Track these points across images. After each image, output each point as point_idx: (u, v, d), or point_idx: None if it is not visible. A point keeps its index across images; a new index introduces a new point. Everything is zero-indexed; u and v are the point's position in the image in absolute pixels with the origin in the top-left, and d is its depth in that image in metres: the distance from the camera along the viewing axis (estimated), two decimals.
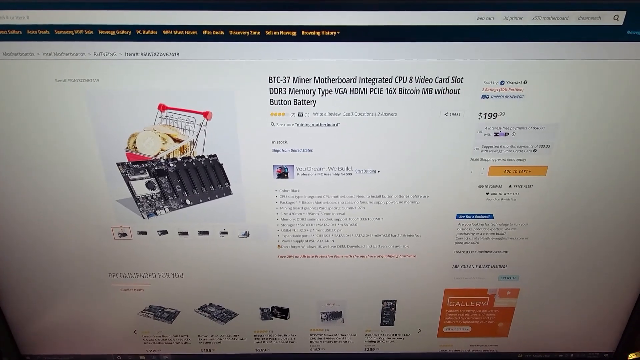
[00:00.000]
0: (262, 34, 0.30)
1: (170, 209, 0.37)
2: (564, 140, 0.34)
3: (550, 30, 0.30)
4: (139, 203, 0.37)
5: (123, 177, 0.35)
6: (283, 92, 0.33)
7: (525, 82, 0.32)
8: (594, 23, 0.30)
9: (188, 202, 0.37)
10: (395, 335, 0.45)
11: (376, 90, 0.33)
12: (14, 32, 0.30)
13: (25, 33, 0.30)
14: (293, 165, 0.35)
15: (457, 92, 0.33)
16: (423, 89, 0.32)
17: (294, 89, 0.33)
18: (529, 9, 0.30)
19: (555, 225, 0.38)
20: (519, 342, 0.45)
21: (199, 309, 0.43)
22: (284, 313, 0.43)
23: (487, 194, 0.37)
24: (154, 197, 0.37)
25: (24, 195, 0.36)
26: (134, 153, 0.35)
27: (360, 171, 0.36)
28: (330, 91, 0.33)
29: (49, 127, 0.33)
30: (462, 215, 0.38)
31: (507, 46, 0.31)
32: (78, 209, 0.37)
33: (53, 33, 0.30)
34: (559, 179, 0.36)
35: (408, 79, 0.32)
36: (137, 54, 0.31)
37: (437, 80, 0.32)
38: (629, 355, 0.46)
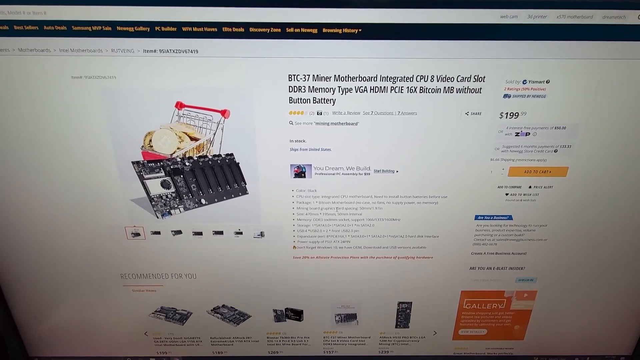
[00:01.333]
0: (283, 31, 0.30)
1: (185, 209, 0.37)
2: (585, 140, 0.34)
3: (574, 29, 0.30)
4: (153, 202, 0.36)
5: (138, 175, 0.35)
6: (302, 90, 0.32)
7: (547, 82, 0.32)
8: (619, 22, 0.30)
9: (203, 201, 0.36)
10: (410, 337, 0.44)
11: (397, 89, 0.32)
12: (30, 27, 0.30)
13: (42, 29, 0.30)
14: (311, 165, 0.35)
15: (479, 91, 0.32)
16: (444, 87, 0.32)
17: (313, 87, 0.32)
18: (554, 8, 0.29)
19: (574, 227, 0.38)
20: (535, 345, 0.44)
21: (211, 310, 0.42)
22: (297, 315, 0.42)
23: (507, 194, 0.36)
24: (169, 196, 0.36)
25: (36, 194, 0.36)
26: (150, 152, 0.34)
27: (378, 171, 0.35)
28: (350, 90, 0.32)
29: (64, 125, 0.33)
30: (480, 216, 0.37)
31: (530, 45, 0.31)
32: (91, 208, 0.36)
33: (70, 29, 0.30)
34: (580, 180, 0.35)
35: (429, 78, 0.32)
36: (155, 51, 0.31)
37: (459, 79, 0.32)
38: None
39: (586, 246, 0.39)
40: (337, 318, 0.43)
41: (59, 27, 0.30)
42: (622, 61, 0.31)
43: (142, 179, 0.35)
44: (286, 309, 0.42)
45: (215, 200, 0.36)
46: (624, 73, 0.31)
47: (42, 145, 0.34)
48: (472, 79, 0.32)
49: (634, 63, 0.31)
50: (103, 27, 0.30)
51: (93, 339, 0.44)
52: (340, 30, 0.30)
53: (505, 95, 0.32)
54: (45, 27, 0.30)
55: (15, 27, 0.30)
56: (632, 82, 0.32)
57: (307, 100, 0.33)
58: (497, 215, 0.37)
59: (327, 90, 0.32)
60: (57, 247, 0.38)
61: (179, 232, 0.38)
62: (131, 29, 0.30)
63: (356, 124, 0.33)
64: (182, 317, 0.42)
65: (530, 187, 0.36)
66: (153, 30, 0.30)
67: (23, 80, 0.31)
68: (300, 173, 0.35)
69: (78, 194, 0.36)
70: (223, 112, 0.33)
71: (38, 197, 0.36)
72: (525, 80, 0.32)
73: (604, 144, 0.34)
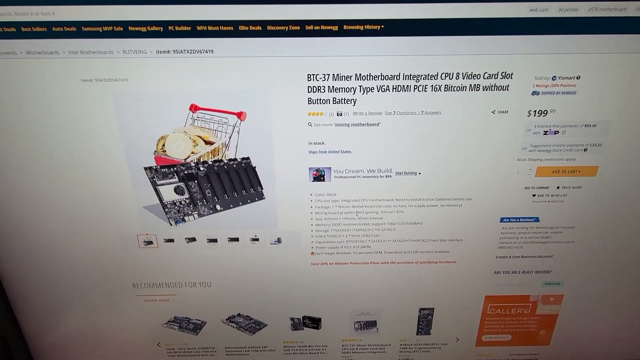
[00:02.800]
0: (302, 28, 0.29)
1: (200, 215, 0.35)
2: (616, 138, 0.32)
3: (606, 22, 0.29)
4: (166, 209, 0.35)
5: (150, 182, 0.34)
6: (322, 90, 0.31)
7: (578, 77, 0.30)
8: None
9: (218, 207, 0.35)
10: (432, 345, 0.43)
11: (420, 88, 0.31)
12: (38, 29, 0.29)
13: (51, 30, 0.29)
14: (330, 168, 0.34)
15: (506, 88, 0.31)
16: (470, 85, 0.31)
17: (333, 87, 0.31)
18: (586, 0, 0.28)
19: (603, 228, 0.36)
20: (561, 351, 0.43)
21: (226, 319, 0.41)
22: (315, 323, 0.41)
23: (534, 195, 0.35)
24: (183, 202, 0.35)
25: (44, 201, 0.34)
26: (163, 156, 0.33)
27: (400, 173, 0.34)
28: (371, 89, 0.31)
29: (73, 130, 0.32)
30: (506, 218, 0.36)
31: (560, 39, 0.29)
32: (102, 216, 0.35)
33: (80, 30, 0.29)
34: (610, 180, 0.34)
35: (454, 75, 0.30)
36: (168, 52, 0.29)
37: (485, 76, 0.30)
38: None
39: (615, 248, 0.37)
40: (356, 325, 0.41)
41: (68, 28, 0.29)
42: None
43: (154, 185, 0.34)
44: (304, 317, 0.41)
45: (231, 206, 0.35)
46: None
47: (50, 151, 0.32)
48: (500, 76, 0.30)
49: None
50: (114, 27, 0.29)
51: (103, 349, 0.42)
52: (362, 27, 0.29)
53: (534, 93, 0.31)
54: (54, 29, 0.28)
55: (23, 29, 0.28)
56: None
57: (326, 101, 0.31)
58: (523, 218, 0.36)
59: (347, 90, 0.31)
60: (67, 256, 0.37)
61: (193, 239, 0.36)
62: (143, 29, 0.29)
63: (378, 124, 0.32)
64: (196, 327, 0.41)
65: (558, 187, 0.35)
66: (166, 30, 0.29)
67: (31, 84, 0.30)
68: (319, 176, 0.34)
69: (88, 201, 0.34)
70: (239, 115, 0.32)
71: (46, 204, 0.34)
72: (554, 77, 0.31)
73: (636, 142, 0.33)
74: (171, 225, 0.36)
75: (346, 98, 0.31)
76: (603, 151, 0.33)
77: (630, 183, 0.34)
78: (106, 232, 0.36)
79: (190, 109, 0.31)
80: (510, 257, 0.38)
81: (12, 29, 0.29)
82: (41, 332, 0.41)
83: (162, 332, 0.41)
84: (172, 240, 0.36)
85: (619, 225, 0.36)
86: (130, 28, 0.29)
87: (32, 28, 0.28)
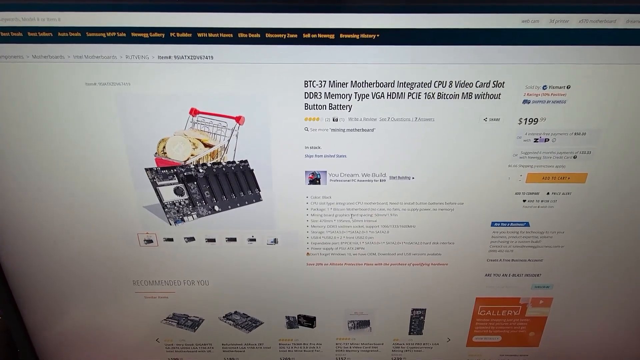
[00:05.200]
0: (300, 36, 0.30)
1: (198, 216, 0.36)
2: (605, 146, 0.33)
3: (596, 34, 0.29)
4: (166, 209, 0.36)
5: (151, 182, 0.35)
6: (318, 96, 0.32)
7: (568, 87, 0.31)
8: None
9: (217, 208, 0.36)
10: (424, 344, 0.44)
11: (414, 95, 0.32)
12: (44, 34, 0.30)
13: (56, 35, 0.30)
14: (326, 171, 0.35)
15: (498, 96, 0.32)
16: (463, 93, 0.31)
17: (329, 93, 0.32)
18: (576, 12, 0.29)
19: (592, 233, 0.37)
20: (550, 352, 0.44)
21: (223, 317, 0.42)
22: (310, 321, 0.42)
23: (524, 201, 0.36)
24: (182, 203, 0.36)
25: (48, 200, 0.35)
26: (163, 158, 0.34)
27: (394, 177, 0.35)
28: (366, 96, 0.32)
29: (77, 132, 0.33)
30: (497, 222, 0.37)
31: (551, 50, 0.30)
32: (103, 215, 0.36)
33: (85, 35, 0.29)
34: (599, 186, 0.35)
35: (447, 84, 0.31)
36: (170, 57, 0.30)
37: (478, 85, 0.31)
38: None
39: (603, 253, 0.38)
40: (350, 325, 0.42)
41: (73, 34, 0.29)
42: None
43: (155, 185, 0.35)
44: (299, 316, 0.42)
45: (229, 207, 0.36)
46: None
47: (55, 151, 0.33)
48: (492, 85, 0.31)
49: None
50: (117, 33, 0.29)
51: (104, 345, 0.44)
52: (357, 36, 0.30)
53: (525, 101, 0.32)
54: (59, 34, 0.29)
55: (29, 34, 0.29)
56: None
57: (323, 107, 0.32)
58: (514, 222, 0.37)
59: (343, 96, 0.32)
60: (69, 254, 0.38)
61: (192, 239, 0.37)
62: (146, 35, 0.30)
63: (372, 130, 0.33)
64: (194, 324, 0.42)
65: (548, 193, 0.35)
66: (168, 36, 0.30)
67: (37, 87, 0.31)
68: (315, 180, 0.35)
69: (91, 200, 0.35)
70: (238, 119, 0.33)
71: (50, 203, 0.35)
72: (545, 86, 0.31)
73: (624, 150, 0.33)
74: (171, 225, 0.37)
75: (342, 104, 0.32)
76: (592, 159, 0.34)
77: (619, 190, 0.35)
78: (108, 230, 0.37)
79: (191, 112, 0.32)
80: (500, 260, 0.39)
81: (19, 34, 0.29)
82: (44, 326, 0.42)
83: (161, 328, 0.42)
84: (171, 240, 0.37)
85: (607, 230, 0.37)
86: (132, 34, 0.29)
87: (39, 33, 0.29)
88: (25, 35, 0.30)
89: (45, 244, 0.37)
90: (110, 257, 0.38)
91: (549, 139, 0.33)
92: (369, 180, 0.35)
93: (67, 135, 0.33)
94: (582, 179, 0.35)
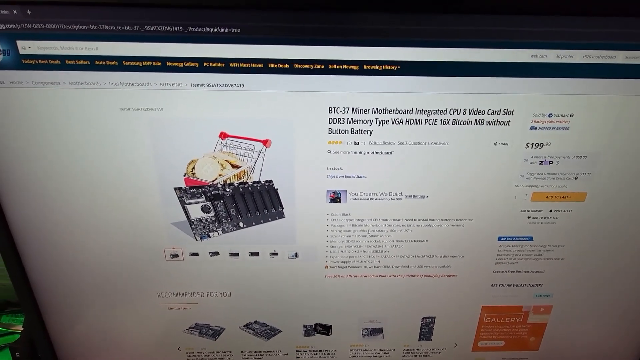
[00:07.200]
0: (326, 67, 0.32)
1: (224, 232, 0.38)
2: (604, 168, 0.36)
3: (598, 68, 0.32)
4: (193, 226, 0.37)
5: (179, 201, 0.36)
6: (342, 122, 0.34)
7: (571, 115, 0.34)
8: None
9: (241, 224, 0.38)
10: (432, 350, 0.46)
11: (431, 121, 0.34)
12: (82, 62, 0.31)
13: (94, 63, 0.31)
14: (346, 191, 0.37)
15: (508, 123, 0.34)
16: (475, 120, 0.34)
17: (352, 119, 0.34)
18: (581, 48, 0.31)
19: (589, 247, 0.40)
20: (549, 356, 0.47)
21: (244, 326, 0.44)
22: (326, 329, 0.44)
23: (529, 217, 0.38)
24: (209, 220, 0.37)
25: (82, 216, 0.37)
26: (192, 178, 0.35)
27: (409, 196, 0.37)
28: (387, 121, 0.34)
29: (111, 153, 0.34)
30: (503, 237, 0.39)
31: (557, 81, 0.33)
32: (133, 231, 0.37)
33: (121, 64, 0.31)
34: (597, 205, 0.38)
35: (462, 111, 0.34)
36: (202, 85, 0.32)
37: (489, 112, 0.34)
38: None
39: (600, 264, 0.41)
40: (363, 332, 0.45)
41: (110, 62, 0.31)
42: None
43: (183, 204, 0.36)
44: (316, 324, 0.44)
45: (253, 223, 0.38)
46: None
47: (89, 171, 0.35)
48: (502, 112, 0.34)
49: None
50: (153, 62, 0.31)
51: (125, 352, 0.45)
52: (380, 67, 0.32)
53: (532, 127, 0.34)
54: (96, 62, 0.31)
55: (67, 62, 0.31)
56: None
57: (345, 131, 0.34)
58: (518, 237, 0.39)
59: (365, 122, 0.34)
60: (98, 266, 0.39)
61: (217, 253, 0.39)
62: (180, 65, 0.31)
63: (391, 153, 0.35)
64: (215, 333, 0.44)
65: (550, 210, 0.38)
66: (202, 65, 0.31)
67: (73, 112, 0.32)
68: (335, 198, 0.37)
69: (122, 216, 0.37)
70: (265, 142, 0.34)
71: (84, 219, 0.37)
72: (551, 114, 0.34)
73: (620, 172, 0.36)
74: (197, 240, 0.38)
75: (363, 129, 0.34)
76: (592, 180, 0.37)
77: (614, 207, 0.38)
78: (136, 245, 0.38)
79: (220, 136, 0.34)
80: (505, 271, 0.41)
81: (57, 62, 0.31)
82: (67, 335, 0.43)
83: (183, 337, 0.44)
84: (196, 254, 0.39)
85: (604, 244, 0.40)
86: (168, 63, 0.31)
87: (77, 61, 0.31)
88: (63, 63, 0.31)
89: (75, 256, 0.39)
90: (137, 269, 0.40)
91: (553, 162, 0.36)
92: (386, 199, 0.37)
93: (100, 156, 0.34)
94: (582, 198, 0.38)
